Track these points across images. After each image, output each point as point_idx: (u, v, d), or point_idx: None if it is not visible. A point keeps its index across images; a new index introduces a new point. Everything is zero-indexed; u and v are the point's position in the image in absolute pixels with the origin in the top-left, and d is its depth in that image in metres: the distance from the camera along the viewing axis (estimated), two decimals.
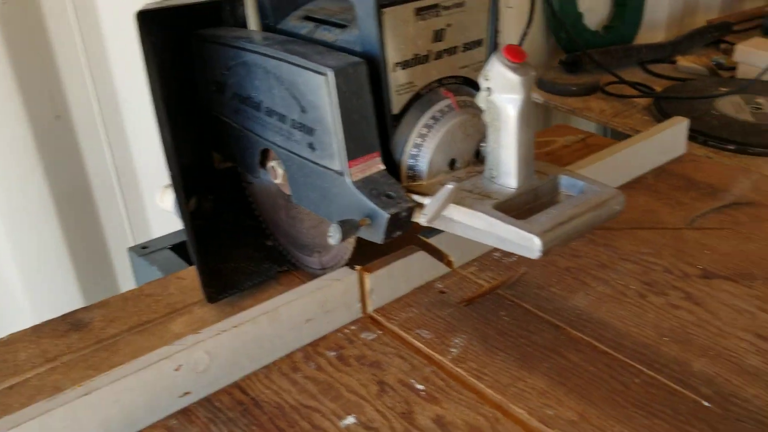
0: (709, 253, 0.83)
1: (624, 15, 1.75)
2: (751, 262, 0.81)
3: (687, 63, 1.66)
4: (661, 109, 1.40)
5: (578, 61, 1.58)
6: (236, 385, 0.67)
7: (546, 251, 0.62)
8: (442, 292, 0.79)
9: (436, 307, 0.77)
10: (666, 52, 1.72)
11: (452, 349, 0.70)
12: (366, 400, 0.64)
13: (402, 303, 0.78)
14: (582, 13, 1.66)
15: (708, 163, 1.06)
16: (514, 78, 0.65)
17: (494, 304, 0.77)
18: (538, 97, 1.56)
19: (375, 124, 0.67)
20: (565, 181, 0.71)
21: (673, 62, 1.69)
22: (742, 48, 1.59)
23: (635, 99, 1.48)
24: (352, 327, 0.74)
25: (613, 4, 1.77)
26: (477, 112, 0.72)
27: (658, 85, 1.55)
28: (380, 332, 0.73)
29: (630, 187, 1.00)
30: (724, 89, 1.46)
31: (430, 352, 0.70)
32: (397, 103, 0.70)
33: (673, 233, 0.88)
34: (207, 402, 0.65)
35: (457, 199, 0.68)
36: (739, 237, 0.86)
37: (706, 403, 0.62)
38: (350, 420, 0.62)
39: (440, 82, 0.74)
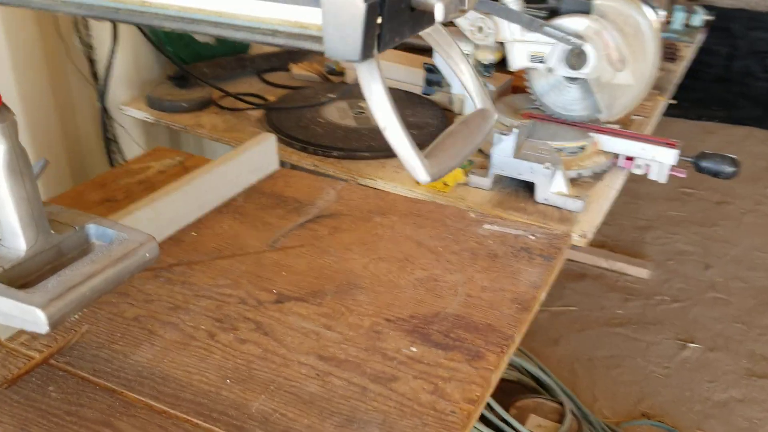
0: (286, 274, 0.83)
1: None
2: (325, 278, 0.82)
3: (300, 70, 1.70)
4: (271, 121, 1.40)
5: (187, 76, 1.52)
6: None
7: (55, 324, 0.53)
8: None
9: None
10: (281, 60, 1.75)
11: None
12: None
13: None
14: None
15: (298, 177, 1.07)
16: None
17: (43, 378, 0.66)
18: (148, 116, 1.47)
19: None
20: (94, 230, 0.63)
21: (288, 70, 1.72)
22: None
23: (248, 111, 1.47)
24: None
25: None
26: None
27: (275, 95, 1.57)
28: None
29: (219, 211, 0.96)
30: (332, 96, 1.52)
31: None
32: None
33: (255, 258, 0.86)
34: None
35: None
36: (317, 252, 0.87)
37: None
38: None
39: None
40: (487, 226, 0.93)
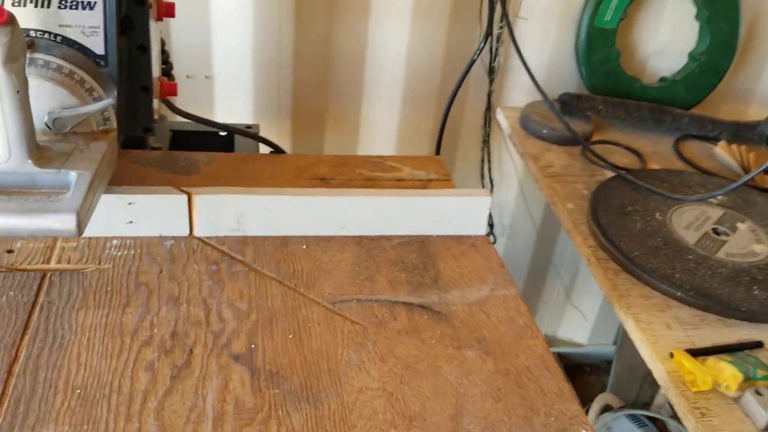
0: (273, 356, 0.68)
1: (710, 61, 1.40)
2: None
3: (724, 152, 1.30)
4: (600, 191, 1.12)
5: (574, 103, 1.32)
6: None
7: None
8: None
9: None
10: (722, 131, 1.36)
11: None
12: None
13: None
14: (619, 51, 1.36)
15: (479, 257, 0.84)
16: None
17: None
18: (507, 127, 1.35)
19: None
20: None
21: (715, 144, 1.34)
22: None
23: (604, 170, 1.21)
24: None
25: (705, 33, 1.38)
26: (46, 75, 0.67)
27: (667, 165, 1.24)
28: None
29: (358, 242, 0.84)
30: (713, 199, 1.12)
31: None
32: None
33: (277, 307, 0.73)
34: None
35: None
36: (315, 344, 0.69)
37: None
38: None
39: (27, 33, 0.68)
40: None
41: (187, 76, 1.37)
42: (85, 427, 0.57)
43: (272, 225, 0.82)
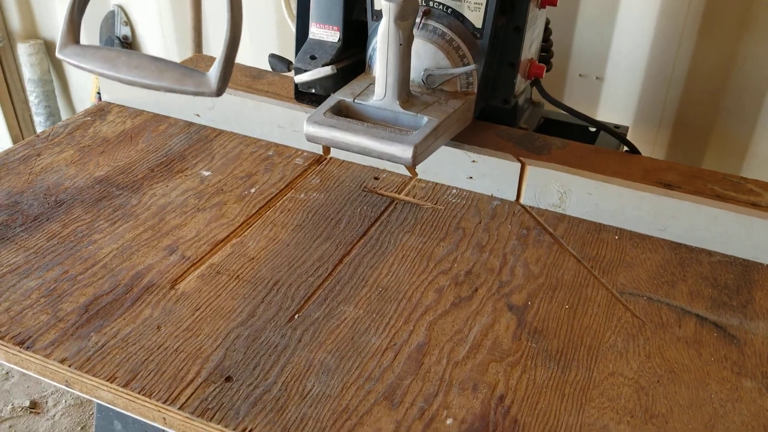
0: None
1: None
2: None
3: None
4: None
5: None
6: None
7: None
8: None
9: None
10: None
11: None
12: None
13: None
14: None
15: None
16: (383, 3, 0.74)
17: None
18: None
19: (340, 5, 0.85)
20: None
21: None
22: None
23: None
24: None
25: None
26: (432, 38, 0.82)
27: None
28: None
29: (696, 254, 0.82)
30: None
31: None
32: (378, 3, 0.85)
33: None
34: None
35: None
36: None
37: None
38: None
39: (427, 2, 0.83)
40: None
41: (580, 75, 1.43)
42: (374, 316, 0.70)
43: (592, 210, 0.86)
